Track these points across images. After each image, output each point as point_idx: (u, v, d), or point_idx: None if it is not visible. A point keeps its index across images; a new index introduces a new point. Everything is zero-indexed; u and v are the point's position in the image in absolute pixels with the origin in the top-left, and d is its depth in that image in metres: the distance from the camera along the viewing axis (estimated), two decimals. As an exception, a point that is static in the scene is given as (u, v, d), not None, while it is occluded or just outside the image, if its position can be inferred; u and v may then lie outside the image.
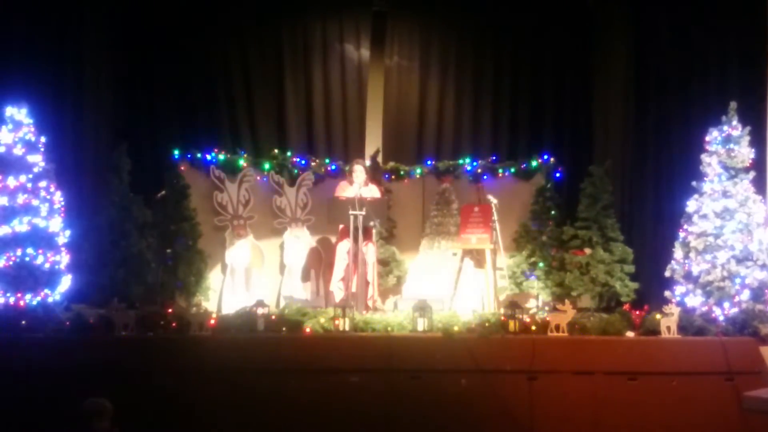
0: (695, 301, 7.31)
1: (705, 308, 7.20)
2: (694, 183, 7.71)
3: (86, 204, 8.46)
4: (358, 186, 8.51)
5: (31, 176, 7.25)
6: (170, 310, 6.88)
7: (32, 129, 7.39)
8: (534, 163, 9.61)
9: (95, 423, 5.02)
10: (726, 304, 7.10)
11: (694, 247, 7.45)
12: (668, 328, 6.79)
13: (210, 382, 6.34)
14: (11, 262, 6.95)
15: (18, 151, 7.25)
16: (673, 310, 6.87)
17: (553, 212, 9.24)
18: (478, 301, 8.47)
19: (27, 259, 7.00)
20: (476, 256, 8.74)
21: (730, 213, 7.39)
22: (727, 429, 6.41)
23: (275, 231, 9.36)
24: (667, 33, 9.51)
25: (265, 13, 10.37)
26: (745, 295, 7.12)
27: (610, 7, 10.08)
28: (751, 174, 7.57)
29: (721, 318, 7.01)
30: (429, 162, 9.86)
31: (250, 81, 10.36)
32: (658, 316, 6.92)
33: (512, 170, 9.66)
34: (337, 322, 6.78)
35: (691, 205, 7.66)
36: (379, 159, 9.65)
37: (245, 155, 9.51)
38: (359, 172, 8.61)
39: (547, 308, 8.04)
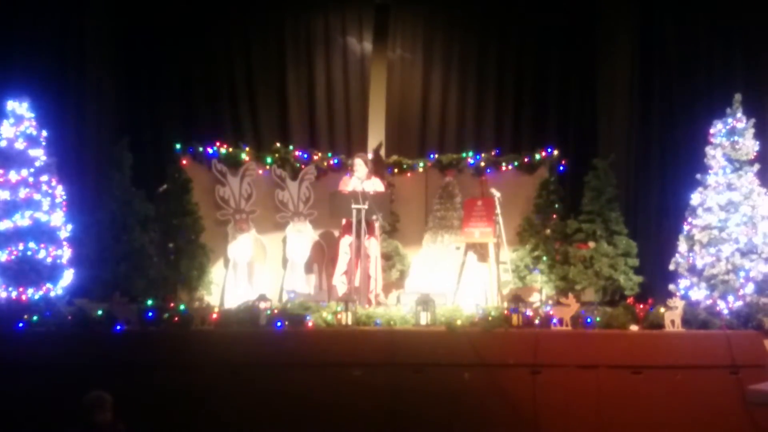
0: (699, 294, 7.29)
1: (709, 301, 7.17)
2: (698, 176, 7.68)
3: (88, 198, 8.46)
4: (359, 180, 8.50)
5: (32, 170, 7.25)
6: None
7: (34, 123, 7.40)
8: (537, 156, 9.54)
9: (97, 415, 5.03)
10: (730, 298, 7.08)
11: (698, 240, 7.43)
12: (672, 321, 6.78)
13: (212, 377, 6.34)
14: (13, 257, 6.96)
15: (19, 145, 7.25)
16: (678, 303, 6.85)
17: (556, 205, 9.19)
18: (482, 295, 8.44)
19: (29, 253, 7.00)
20: (479, 250, 8.72)
21: (735, 206, 7.37)
22: (731, 422, 6.40)
23: (277, 225, 9.34)
24: (671, 25, 9.47)
25: (268, 5, 10.35)
26: (750, 288, 7.10)
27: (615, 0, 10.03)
28: (756, 166, 7.54)
29: (726, 311, 6.99)
30: (432, 155, 9.80)
31: (252, 74, 10.35)
32: (662, 309, 6.92)
33: (516, 163, 9.60)
34: (339, 316, 6.77)
35: (695, 197, 7.63)
36: (382, 153, 9.62)
37: (247, 149, 9.46)
38: (359, 165, 8.59)
39: (550, 302, 8.02)
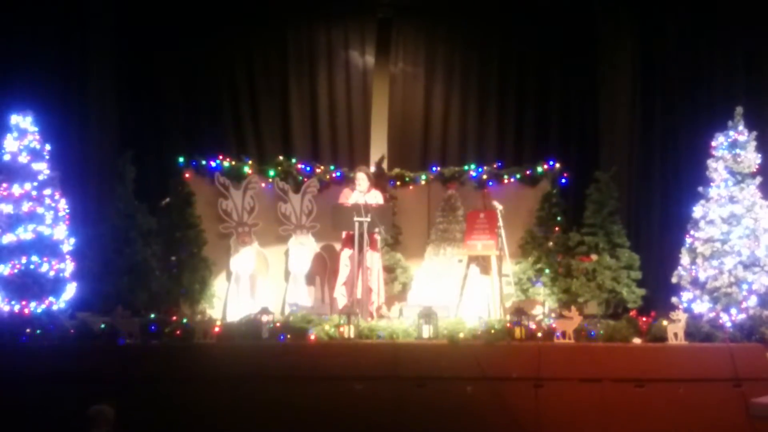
0: (702, 307, 7.27)
1: (712, 314, 7.15)
2: (700, 188, 7.67)
3: (91, 212, 8.46)
4: (360, 193, 8.50)
5: (36, 184, 7.25)
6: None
7: (37, 137, 7.41)
8: (539, 169, 9.56)
9: (96, 430, 5.01)
10: (733, 310, 7.06)
11: (700, 253, 7.41)
12: (675, 334, 6.76)
13: (214, 390, 6.32)
14: (16, 270, 6.95)
15: (23, 159, 7.26)
16: (680, 316, 6.83)
17: (559, 218, 9.19)
18: (484, 308, 8.44)
19: (32, 266, 6.99)
20: (482, 263, 8.72)
21: (737, 218, 7.36)
22: (734, 436, 6.38)
23: (280, 238, 9.35)
24: (673, 38, 9.49)
25: (270, 19, 10.40)
26: (753, 301, 7.08)
27: (616, 12, 10.05)
28: (758, 179, 7.53)
29: (729, 324, 6.96)
30: (434, 168, 9.83)
31: (254, 88, 10.39)
32: (665, 322, 6.89)
33: (518, 176, 9.62)
34: (341, 329, 6.76)
35: (697, 210, 7.62)
36: (384, 165, 9.64)
37: (250, 162, 9.50)
38: (361, 180, 8.59)
39: (553, 315, 8.01)
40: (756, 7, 8.63)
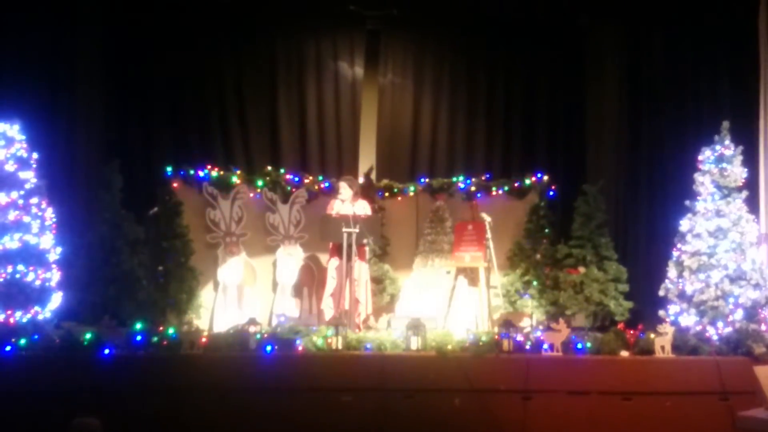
0: (689, 320, 7.30)
1: (699, 328, 7.19)
2: (687, 202, 7.72)
3: (78, 221, 8.41)
4: (342, 203, 8.47)
5: (22, 193, 7.19)
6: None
7: (24, 145, 7.35)
8: (527, 182, 9.59)
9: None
10: (720, 324, 7.09)
11: (687, 267, 7.46)
12: (662, 347, 6.78)
13: (201, 401, 6.28)
14: (1, 279, 6.89)
15: (10, 167, 7.20)
16: (667, 329, 6.86)
17: (546, 230, 9.21)
18: (472, 320, 8.43)
19: (18, 276, 6.93)
20: (470, 275, 8.71)
21: (724, 232, 7.40)
22: (721, 449, 6.39)
23: (268, 248, 9.31)
24: (659, 53, 9.57)
25: (260, 30, 10.41)
26: (739, 314, 7.12)
27: (603, 26, 10.14)
28: (744, 193, 7.59)
29: (715, 337, 7.01)
30: (422, 180, 9.84)
31: (243, 98, 10.39)
32: (652, 335, 6.92)
33: (506, 188, 9.64)
34: (329, 340, 6.74)
35: (684, 224, 7.66)
36: (373, 176, 9.65)
37: (238, 172, 9.46)
38: (344, 188, 8.57)
39: (541, 327, 8.02)
40: (741, 21, 8.71)
